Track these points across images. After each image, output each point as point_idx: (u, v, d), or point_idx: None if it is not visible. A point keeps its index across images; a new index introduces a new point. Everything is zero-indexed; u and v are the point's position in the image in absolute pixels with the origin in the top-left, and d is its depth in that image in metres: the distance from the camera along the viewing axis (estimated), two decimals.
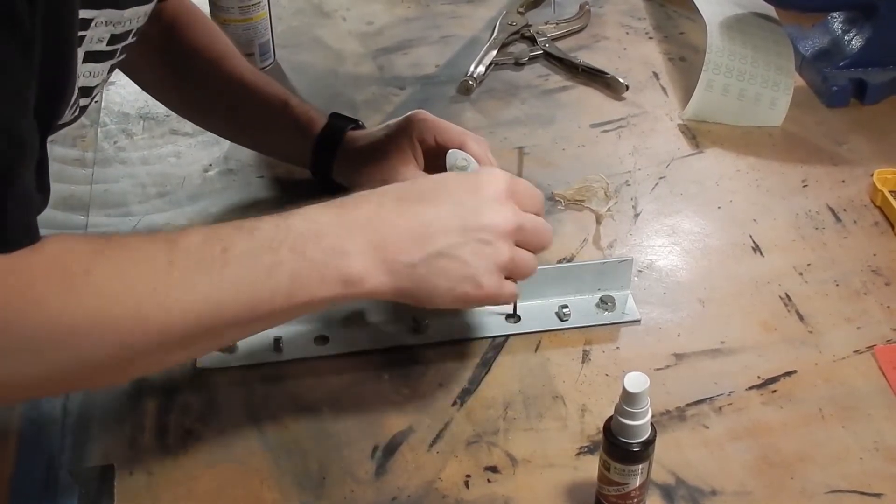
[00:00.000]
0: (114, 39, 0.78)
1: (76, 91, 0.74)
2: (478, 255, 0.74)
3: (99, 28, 0.75)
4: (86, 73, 0.79)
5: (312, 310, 0.73)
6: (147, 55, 1.00)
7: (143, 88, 1.09)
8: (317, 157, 1.01)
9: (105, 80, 0.84)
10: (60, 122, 0.76)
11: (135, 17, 0.79)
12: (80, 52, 0.75)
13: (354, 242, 0.71)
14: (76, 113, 0.80)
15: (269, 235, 0.69)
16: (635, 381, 0.69)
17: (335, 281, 0.71)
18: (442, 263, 0.74)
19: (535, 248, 0.79)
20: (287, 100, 1.02)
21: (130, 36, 0.81)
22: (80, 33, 0.73)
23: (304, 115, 1.01)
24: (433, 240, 0.73)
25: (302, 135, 1.01)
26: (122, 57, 0.82)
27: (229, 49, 1.04)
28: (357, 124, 1.02)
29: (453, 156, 0.87)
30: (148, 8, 0.80)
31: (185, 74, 1.04)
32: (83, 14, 0.72)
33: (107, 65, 0.80)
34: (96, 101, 1.18)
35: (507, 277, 0.77)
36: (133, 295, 0.64)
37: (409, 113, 0.95)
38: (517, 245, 0.77)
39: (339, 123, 1.01)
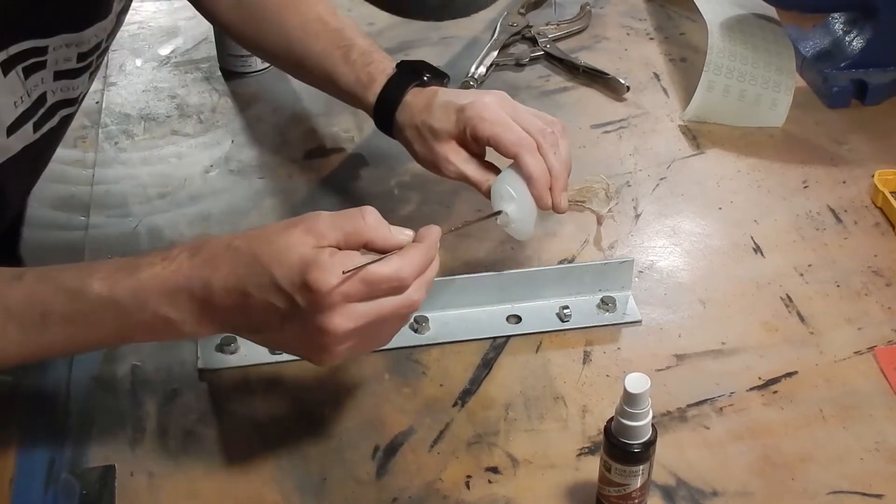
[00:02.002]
0: (83, 56, 0.79)
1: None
2: (304, 337, 0.71)
3: (60, 51, 0.76)
4: (62, 88, 0.79)
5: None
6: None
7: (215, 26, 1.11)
8: (379, 121, 0.96)
9: (88, 86, 0.85)
10: (37, 137, 0.77)
11: (100, 31, 0.80)
12: (48, 74, 0.77)
13: (179, 312, 0.71)
14: (55, 123, 0.80)
15: (91, 304, 0.71)
16: (636, 382, 0.69)
17: (166, 336, 0.75)
18: (268, 338, 0.74)
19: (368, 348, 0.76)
20: (347, 53, 0.97)
21: (102, 45, 0.81)
22: (37, 59, 0.75)
23: (364, 73, 0.96)
24: (254, 321, 0.71)
25: (362, 96, 0.96)
26: (102, 61, 0.83)
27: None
28: (422, 80, 0.95)
29: (498, 190, 0.87)
30: (107, 23, 0.80)
31: (253, 21, 1.03)
32: (34, 44, 0.74)
33: (85, 76, 0.81)
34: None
35: None
36: None
37: (472, 101, 0.89)
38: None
39: (399, 84, 0.94)
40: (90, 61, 0.81)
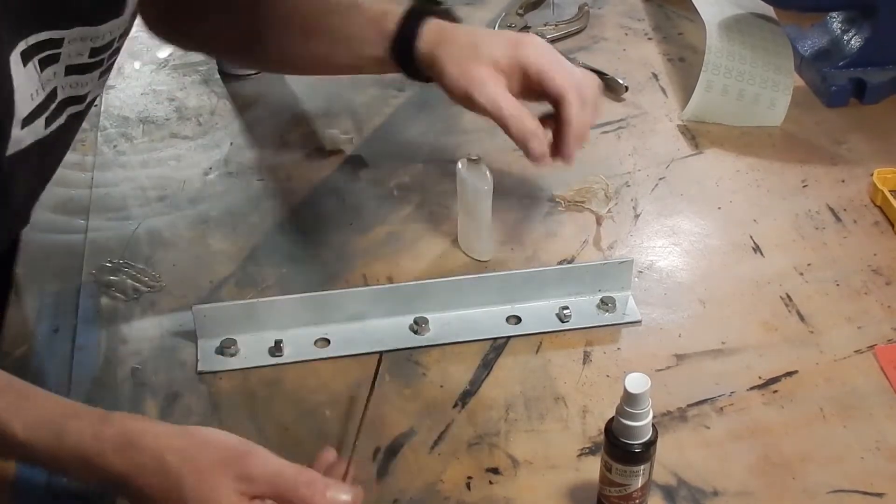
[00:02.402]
0: (95, 52, 0.79)
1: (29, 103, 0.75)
2: None
3: (75, 44, 0.76)
4: (72, 84, 0.79)
5: None
6: None
7: None
8: (400, 48, 0.90)
9: (100, 86, 0.85)
10: (46, 133, 0.77)
11: (114, 29, 0.80)
12: (60, 67, 0.77)
13: (88, 478, 0.70)
14: (63, 121, 0.80)
15: (7, 444, 0.69)
16: (636, 382, 0.69)
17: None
18: None
19: None
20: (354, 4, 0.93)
21: (115, 44, 0.81)
22: (52, 51, 0.75)
23: (376, 10, 0.91)
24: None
25: (380, 29, 0.90)
26: (113, 61, 0.83)
27: None
28: (444, 12, 0.91)
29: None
30: (121, 21, 0.80)
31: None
32: (51, 35, 0.74)
33: (95, 73, 0.81)
34: (96, 105, 1.18)
35: None
36: None
37: (523, 34, 0.86)
38: None
39: (419, 10, 0.90)
40: (101, 59, 0.81)
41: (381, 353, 0.85)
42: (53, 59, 0.76)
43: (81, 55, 0.79)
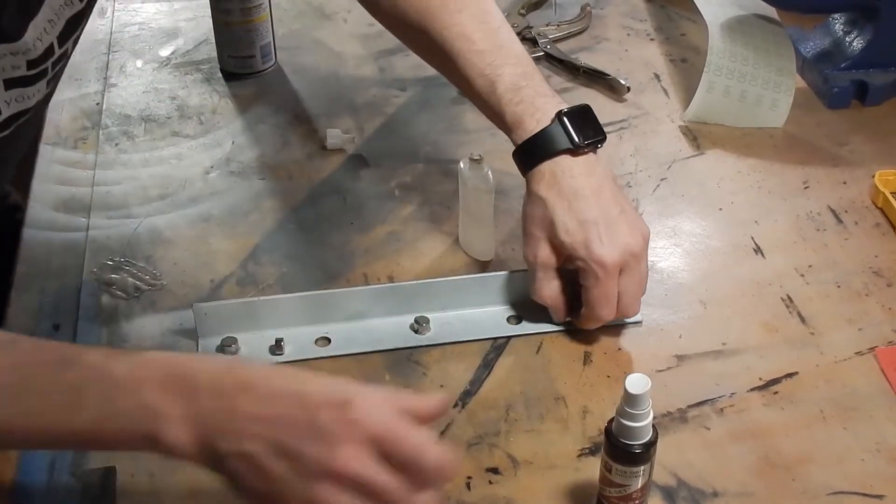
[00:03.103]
0: (34, 63, 0.78)
1: None
2: (287, 483, 0.62)
3: (6, 59, 0.75)
4: (17, 98, 0.78)
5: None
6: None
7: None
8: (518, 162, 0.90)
9: (49, 92, 0.83)
10: None
11: (43, 36, 0.78)
12: None
13: (175, 407, 0.63)
14: (10, 131, 0.79)
15: (80, 373, 0.64)
16: (637, 383, 0.69)
17: (142, 439, 0.64)
18: (250, 471, 0.63)
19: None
20: (494, 84, 0.89)
21: (56, 50, 0.79)
22: None
23: (511, 114, 0.89)
24: (251, 438, 0.62)
25: (506, 130, 0.90)
26: (62, 65, 0.82)
27: (440, 5, 0.93)
28: (574, 144, 0.86)
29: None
30: (46, 24, 0.78)
31: (399, 28, 0.99)
32: None
33: (42, 83, 0.80)
34: (97, 104, 1.18)
35: None
36: None
37: (588, 260, 0.85)
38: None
39: (548, 143, 0.87)
40: (44, 68, 0.80)
41: None
42: None
43: (18, 68, 0.77)
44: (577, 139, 0.87)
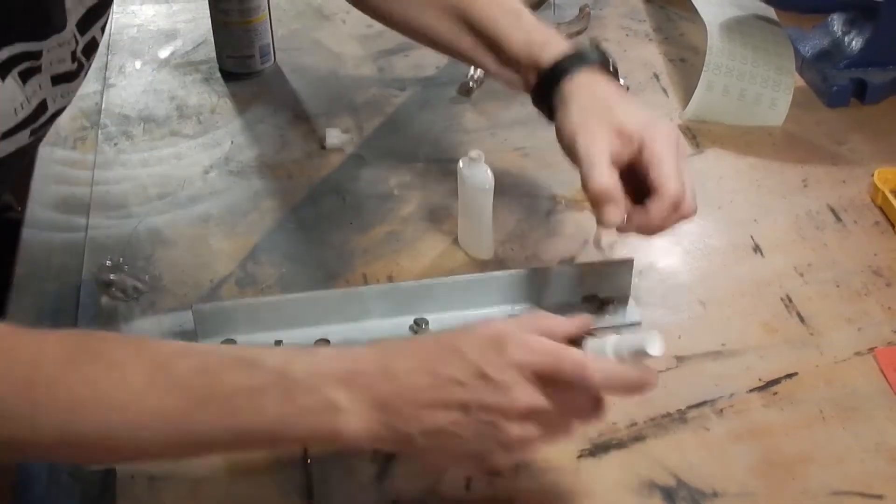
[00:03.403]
0: (73, 56, 0.78)
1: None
2: (481, 437, 0.66)
3: (54, 52, 0.75)
4: (62, 94, 0.79)
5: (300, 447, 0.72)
6: None
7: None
8: (539, 78, 0.90)
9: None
10: (30, 141, 0.77)
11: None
12: (45, 78, 0.76)
13: (351, 399, 0.65)
14: (49, 128, 0.80)
15: (263, 377, 0.66)
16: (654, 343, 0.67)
17: (325, 434, 0.66)
18: (441, 440, 0.66)
19: (550, 433, 0.68)
20: (519, 17, 0.92)
21: (79, 40, 0.80)
22: (32, 63, 0.74)
23: (541, 33, 0.91)
24: (432, 413, 0.65)
25: (534, 49, 0.90)
26: (93, 57, 0.83)
27: None
28: (612, 63, 0.90)
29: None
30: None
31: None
32: (26, 47, 0.73)
33: (82, 77, 0.81)
34: (96, 104, 1.18)
35: None
36: (101, 411, 0.63)
37: (661, 118, 0.87)
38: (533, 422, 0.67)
39: (585, 58, 0.88)
40: (78, 60, 0.81)
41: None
42: (35, 71, 0.75)
43: (64, 61, 0.77)
44: (610, 58, 0.90)
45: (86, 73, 0.83)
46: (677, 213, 0.82)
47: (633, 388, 0.68)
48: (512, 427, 0.65)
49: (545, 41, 0.90)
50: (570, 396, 0.67)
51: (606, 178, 0.81)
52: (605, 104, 0.85)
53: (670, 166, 0.81)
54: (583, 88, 0.86)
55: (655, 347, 0.68)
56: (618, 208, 0.81)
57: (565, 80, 0.87)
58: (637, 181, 0.83)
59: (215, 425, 0.65)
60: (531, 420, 0.66)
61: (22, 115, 0.75)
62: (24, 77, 0.74)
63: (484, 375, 0.65)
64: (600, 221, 0.82)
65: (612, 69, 0.90)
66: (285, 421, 0.65)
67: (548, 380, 0.66)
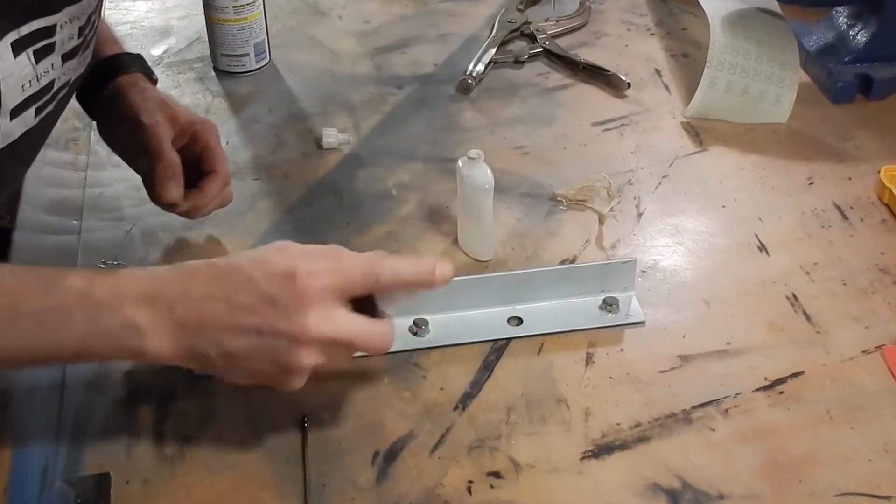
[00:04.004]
0: (80, 31, 0.79)
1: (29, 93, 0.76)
2: (275, 360, 0.73)
3: (66, 28, 0.76)
4: (66, 72, 0.79)
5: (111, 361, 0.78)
6: None
7: None
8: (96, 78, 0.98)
9: (81, 68, 0.86)
10: (36, 122, 0.77)
11: (92, 1, 0.80)
12: (57, 58, 0.77)
13: (154, 320, 0.71)
14: (53, 107, 0.80)
15: (66, 297, 0.71)
16: None
17: (126, 352, 0.73)
18: (237, 361, 0.73)
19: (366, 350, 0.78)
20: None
21: (93, 18, 0.82)
22: (47, 41, 0.75)
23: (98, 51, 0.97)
24: (229, 337, 0.72)
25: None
26: (92, 38, 0.85)
27: None
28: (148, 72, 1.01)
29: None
30: None
31: None
32: (43, 23, 0.74)
33: (82, 55, 0.82)
34: None
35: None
36: None
37: (205, 119, 0.98)
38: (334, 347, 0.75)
39: (135, 62, 1.00)
40: (84, 36, 0.81)
41: (304, 421, 0.83)
42: (49, 50, 0.76)
43: (73, 38, 0.79)
44: (149, 66, 1.02)
45: (84, 51, 0.84)
46: (222, 197, 0.97)
47: (426, 276, 0.76)
48: (303, 354, 0.72)
49: (103, 41, 0.99)
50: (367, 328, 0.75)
51: (174, 156, 0.94)
52: (159, 97, 0.98)
53: (220, 153, 0.96)
54: (139, 83, 0.98)
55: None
56: (179, 185, 0.93)
57: (119, 77, 0.98)
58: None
59: (22, 343, 0.71)
60: (324, 347, 0.73)
61: (29, 91, 0.75)
62: (39, 56, 0.75)
63: (275, 303, 0.71)
64: (161, 196, 0.93)
65: (154, 80, 1.02)
66: (88, 340, 0.71)
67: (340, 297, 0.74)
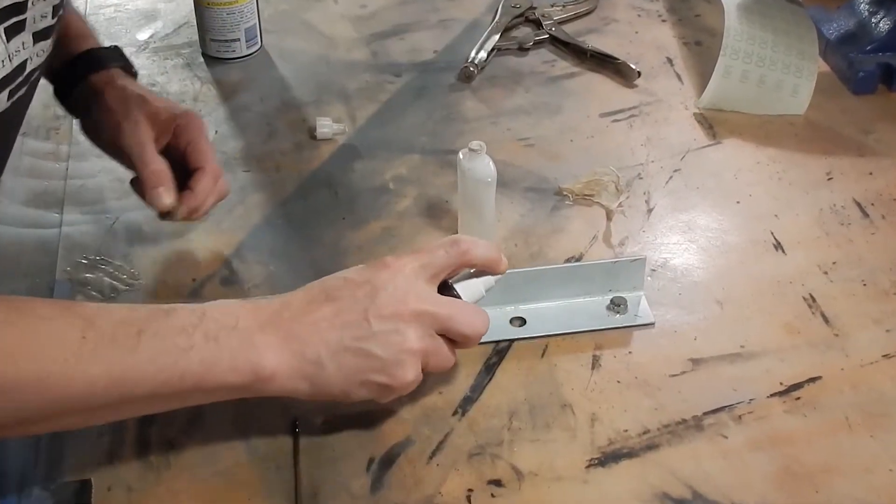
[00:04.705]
0: (56, 10, 0.79)
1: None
2: (384, 346, 0.76)
3: (38, 5, 0.76)
4: (38, 53, 0.79)
5: (224, 397, 0.76)
6: None
7: None
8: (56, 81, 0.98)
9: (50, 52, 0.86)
10: (8, 105, 0.77)
11: None
12: (28, 36, 0.77)
13: (266, 336, 0.74)
14: (25, 90, 0.80)
15: (183, 320, 0.73)
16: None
17: (246, 370, 0.74)
18: (348, 359, 0.75)
19: (455, 338, 0.80)
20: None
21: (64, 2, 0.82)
22: (18, 18, 0.75)
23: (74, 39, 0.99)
24: (336, 334, 0.75)
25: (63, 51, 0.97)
26: (62, 15, 0.84)
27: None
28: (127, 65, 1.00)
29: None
30: None
31: None
32: None
33: (54, 35, 0.82)
34: None
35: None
36: (38, 362, 0.68)
37: (186, 111, 0.97)
38: (435, 333, 0.78)
39: (113, 57, 0.99)
40: (59, 17, 0.81)
41: (296, 425, 0.83)
42: (20, 28, 0.76)
43: (45, 17, 0.79)
44: (130, 59, 1.01)
45: (55, 30, 0.84)
46: (217, 191, 0.95)
47: (497, 258, 0.83)
48: (409, 335, 0.76)
49: (75, 36, 0.98)
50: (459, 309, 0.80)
51: (159, 161, 0.93)
52: (136, 94, 0.96)
53: (206, 147, 0.95)
54: (116, 80, 0.96)
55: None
56: (170, 191, 0.92)
57: (94, 75, 0.96)
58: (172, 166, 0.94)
59: (148, 368, 0.71)
60: (426, 325, 0.77)
61: (2, 72, 0.75)
62: (10, 34, 0.75)
63: (373, 288, 0.76)
64: (153, 204, 0.92)
65: (133, 73, 1.01)
66: (208, 360, 0.72)
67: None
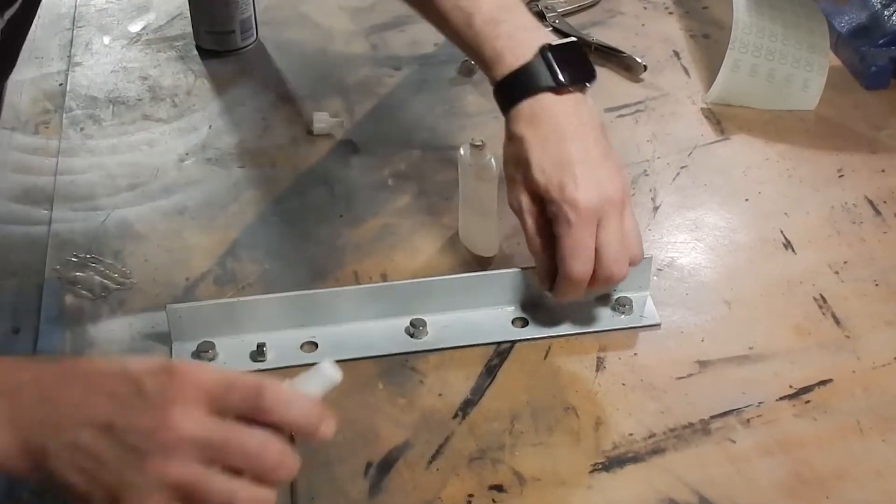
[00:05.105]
0: None
1: None
2: (124, 466, 0.61)
3: None
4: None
5: None
6: None
7: None
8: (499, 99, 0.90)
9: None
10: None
11: None
12: None
13: None
14: (17, 8, 0.79)
15: None
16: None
17: None
18: (79, 460, 0.62)
19: (255, 475, 0.64)
20: (470, 20, 0.90)
21: None
22: None
23: (490, 48, 0.88)
24: (77, 429, 0.62)
25: (485, 67, 0.90)
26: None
27: None
28: (563, 84, 0.87)
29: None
30: None
31: None
32: None
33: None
34: (60, 84, 1.18)
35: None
36: None
37: (569, 190, 0.84)
38: (220, 465, 0.62)
39: (528, 83, 0.87)
40: None
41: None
42: None
43: None
44: (560, 77, 0.87)
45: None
46: (594, 286, 0.86)
47: (312, 423, 0.65)
48: (161, 461, 0.61)
49: (499, 53, 0.89)
50: (248, 436, 0.63)
51: (532, 246, 0.87)
52: (524, 158, 0.86)
53: (566, 246, 0.84)
54: (519, 127, 0.87)
55: (332, 370, 0.66)
56: (540, 272, 0.88)
57: (509, 111, 0.89)
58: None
59: None
60: (184, 452, 0.61)
61: None
62: None
63: (139, 391, 0.62)
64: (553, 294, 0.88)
65: (566, 79, 0.88)
66: None
67: (219, 408, 0.63)
